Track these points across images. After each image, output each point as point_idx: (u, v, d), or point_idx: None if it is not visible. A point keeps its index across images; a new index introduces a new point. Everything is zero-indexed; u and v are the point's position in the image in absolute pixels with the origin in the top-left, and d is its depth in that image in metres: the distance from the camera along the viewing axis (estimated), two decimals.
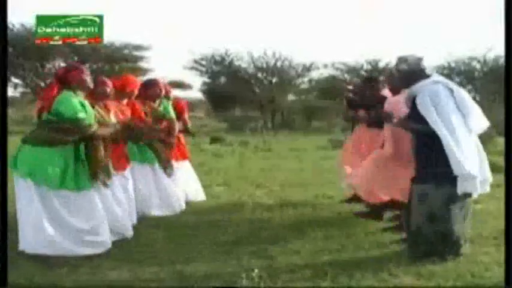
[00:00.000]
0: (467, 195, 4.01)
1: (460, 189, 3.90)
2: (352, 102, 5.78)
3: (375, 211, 5.34)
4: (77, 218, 4.00)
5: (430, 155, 3.99)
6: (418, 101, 4.04)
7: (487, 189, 4.14)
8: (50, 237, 3.87)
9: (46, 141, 3.94)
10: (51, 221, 3.90)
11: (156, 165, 5.56)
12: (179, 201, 5.90)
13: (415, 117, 4.09)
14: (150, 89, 5.56)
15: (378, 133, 5.11)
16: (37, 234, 3.86)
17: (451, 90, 4.07)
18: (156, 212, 5.59)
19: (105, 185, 4.27)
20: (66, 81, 4.06)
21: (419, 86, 4.08)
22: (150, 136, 5.09)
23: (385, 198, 5.02)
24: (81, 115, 3.99)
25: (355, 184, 5.04)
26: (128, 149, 5.16)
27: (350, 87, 6.12)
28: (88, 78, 4.13)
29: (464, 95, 4.11)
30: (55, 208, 3.93)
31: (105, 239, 4.18)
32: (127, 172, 5.04)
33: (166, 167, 5.48)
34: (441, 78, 4.21)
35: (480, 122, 4.11)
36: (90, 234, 4.05)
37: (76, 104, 3.98)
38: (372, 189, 4.91)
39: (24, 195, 3.90)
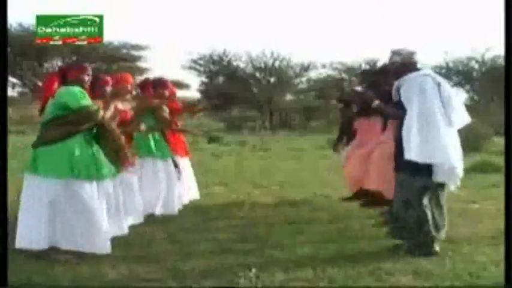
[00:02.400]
0: (440, 185, 4.11)
1: (436, 177, 4.01)
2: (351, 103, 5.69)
3: (376, 198, 5.41)
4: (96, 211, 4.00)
5: None
6: (402, 90, 4.11)
7: (457, 182, 4.18)
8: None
9: (58, 137, 3.92)
10: (79, 216, 3.91)
11: (169, 160, 5.57)
12: (180, 200, 5.84)
13: (398, 108, 4.16)
14: (161, 89, 5.56)
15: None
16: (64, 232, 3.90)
17: (439, 84, 4.12)
18: (159, 210, 5.47)
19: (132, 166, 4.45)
20: (66, 75, 4.08)
21: (408, 77, 4.14)
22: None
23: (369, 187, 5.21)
24: (86, 102, 3.99)
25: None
26: (140, 144, 5.20)
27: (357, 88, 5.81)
28: (87, 79, 4.14)
29: (450, 90, 4.16)
30: (81, 203, 3.92)
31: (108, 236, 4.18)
32: (132, 168, 5.01)
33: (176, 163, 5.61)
34: (430, 72, 4.27)
35: (462, 117, 4.16)
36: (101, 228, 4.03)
37: (79, 93, 3.99)
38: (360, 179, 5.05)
39: (40, 195, 3.87)
